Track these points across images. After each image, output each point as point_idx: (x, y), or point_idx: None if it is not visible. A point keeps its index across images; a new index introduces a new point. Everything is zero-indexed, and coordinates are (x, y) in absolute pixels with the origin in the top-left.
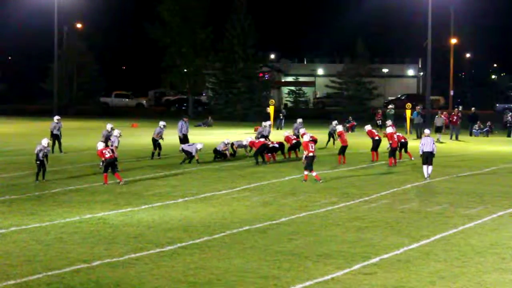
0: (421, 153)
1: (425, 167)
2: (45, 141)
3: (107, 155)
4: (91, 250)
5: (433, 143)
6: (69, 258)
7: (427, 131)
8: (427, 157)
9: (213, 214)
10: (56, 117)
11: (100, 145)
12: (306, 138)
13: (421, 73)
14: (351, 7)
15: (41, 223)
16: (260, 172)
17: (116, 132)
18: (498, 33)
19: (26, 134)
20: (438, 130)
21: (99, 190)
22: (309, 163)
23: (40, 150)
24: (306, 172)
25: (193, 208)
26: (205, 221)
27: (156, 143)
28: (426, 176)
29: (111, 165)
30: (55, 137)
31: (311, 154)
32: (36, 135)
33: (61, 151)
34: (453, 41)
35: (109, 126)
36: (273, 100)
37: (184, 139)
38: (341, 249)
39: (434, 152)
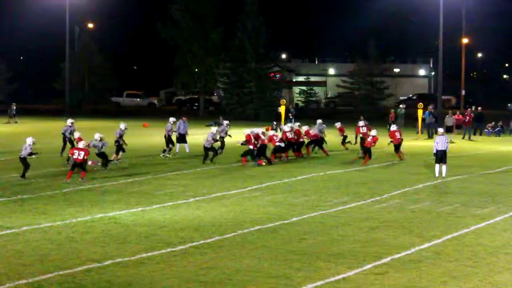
0: (434, 151)
1: (437, 166)
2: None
3: (75, 157)
4: (103, 250)
5: (447, 142)
6: (80, 258)
7: (441, 129)
8: (441, 156)
9: (224, 213)
10: (70, 120)
11: (80, 144)
12: (271, 133)
13: (433, 73)
14: (363, 7)
15: (52, 223)
16: (271, 172)
17: (96, 136)
18: (509, 32)
19: (38, 134)
20: (448, 130)
21: (110, 190)
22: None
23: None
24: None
25: (204, 207)
26: (217, 220)
27: (168, 140)
28: (437, 175)
29: (78, 166)
30: (68, 140)
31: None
32: (48, 134)
33: (61, 154)
34: (465, 40)
35: (122, 125)
36: (284, 100)
37: (180, 138)
38: (353, 249)
39: (447, 150)
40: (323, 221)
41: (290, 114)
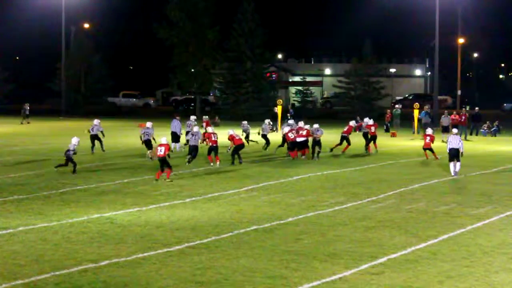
0: (448, 150)
1: (451, 164)
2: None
3: (158, 152)
4: (99, 250)
5: (460, 141)
6: (77, 258)
7: (455, 130)
8: (454, 154)
9: (220, 214)
10: (97, 120)
11: (163, 140)
12: (231, 132)
13: (429, 73)
14: (359, 7)
15: (49, 223)
16: (268, 172)
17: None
18: (505, 33)
19: (34, 134)
20: (444, 130)
21: (107, 190)
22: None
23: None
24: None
25: (200, 208)
26: (213, 220)
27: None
28: (453, 174)
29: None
30: (94, 137)
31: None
32: (44, 135)
33: (103, 150)
34: (461, 40)
35: (149, 123)
36: (281, 100)
37: (174, 137)
38: (349, 249)
39: (462, 150)
40: (320, 221)
41: (288, 115)
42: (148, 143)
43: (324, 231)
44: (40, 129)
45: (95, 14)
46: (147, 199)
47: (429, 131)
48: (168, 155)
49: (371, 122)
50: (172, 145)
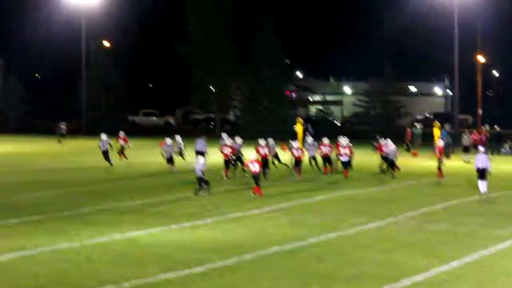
0: (476, 169)
1: (479, 182)
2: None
3: (252, 169)
4: (121, 271)
5: (487, 160)
6: (98, 279)
7: (482, 148)
8: (482, 173)
9: (242, 234)
10: (104, 135)
11: (252, 156)
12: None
13: (449, 92)
14: (379, 26)
15: (70, 243)
16: (289, 193)
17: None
18: None
19: (54, 153)
20: (465, 149)
21: (128, 210)
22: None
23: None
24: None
25: (222, 228)
26: (235, 241)
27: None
28: (482, 192)
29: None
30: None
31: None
32: (64, 153)
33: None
34: (481, 59)
35: (169, 141)
36: (301, 119)
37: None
38: (371, 271)
39: (489, 169)
40: (341, 242)
41: (308, 133)
42: (170, 160)
43: (346, 253)
44: (60, 148)
45: (115, 32)
46: (168, 219)
47: (440, 142)
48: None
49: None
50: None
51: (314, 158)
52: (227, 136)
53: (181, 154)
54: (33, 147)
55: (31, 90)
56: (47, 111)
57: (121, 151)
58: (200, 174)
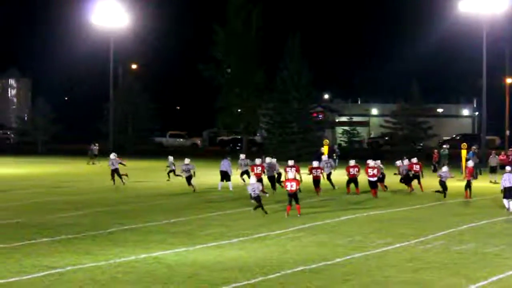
0: (502, 188)
1: (505, 201)
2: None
3: (288, 188)
4: None
5: None
6: None
7: (508, 168)
8: (509, 192)
9: (267, 254)
10: (113, 154)
11: (290, 174)
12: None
13: (476, 113)
14: (406, 47)
15: (96, 263)
16: (315, 213)
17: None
18: None
19: (83, 174)
20: (492, 170)
21: (154, 230)
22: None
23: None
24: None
25: (247, 248)
26: (260, 261)
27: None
28: (508, 209)
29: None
30: (115, 171)
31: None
32: (93, 174)
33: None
34: (509, 80)
35: (187, 160)
36: (327, 140)
37: (223, 176)
38: None
39: None
40: (367, 262)
41: (334, 154)
42: (188, 179)
43: (372, 273)
44: (88, 169)
45: (143, 54)
46: (194, 239)
47: (470, 163)
48: (299, 189)
49: (414, 160)
50: (220, 184)
51: (328, 176)
52: (244, 156)
53: (169, 173)
54: (62, 168)
55: (59, 112)
56: (75, 133)
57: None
58: (255, 193)
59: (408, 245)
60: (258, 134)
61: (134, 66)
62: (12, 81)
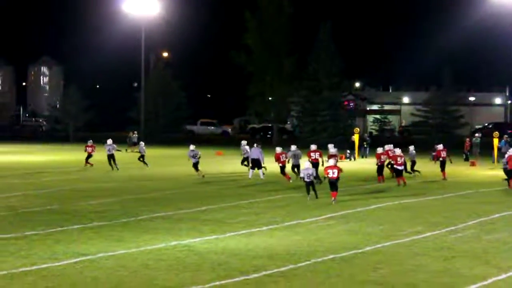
0: None
1: None
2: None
3: (330, 175)
4: (177, 277)
5: None
6: (155, 285)
7: None
8: None
9: (298, 242)
10: (109, 140)
11: (331, 162)
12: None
13: (509, 101)
14: (437, 35)
15: (127, 250)
16: (346, 201)
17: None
18: None
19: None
20: None
21: (185, 218)
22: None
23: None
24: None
25: (278, 236)
26: (290, 249)
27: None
28: None
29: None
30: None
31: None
32: (123, 162)
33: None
34: None
35: (192, 146)
36: (358, 129)
37: (254, 163)
38: (428, 279)
39: None
40: (398, 250)
41: (364, 143)
42: (195, 165)
43: (402, 261)
44: (118, 156)
45: (174, 42)
46: (224, 226)
47: (511, 151)
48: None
49: (440, 147)
50: (251, 172)
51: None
52: (295, 147)
53: (140, 158)
54: (94, 155)
55: (90, 100)
56: (106, 121)
57: (87, 159)
58: (309, 179)
59: (439, 234)
60: (288, 122)
61: (165, 54)
62: (44, 69)
